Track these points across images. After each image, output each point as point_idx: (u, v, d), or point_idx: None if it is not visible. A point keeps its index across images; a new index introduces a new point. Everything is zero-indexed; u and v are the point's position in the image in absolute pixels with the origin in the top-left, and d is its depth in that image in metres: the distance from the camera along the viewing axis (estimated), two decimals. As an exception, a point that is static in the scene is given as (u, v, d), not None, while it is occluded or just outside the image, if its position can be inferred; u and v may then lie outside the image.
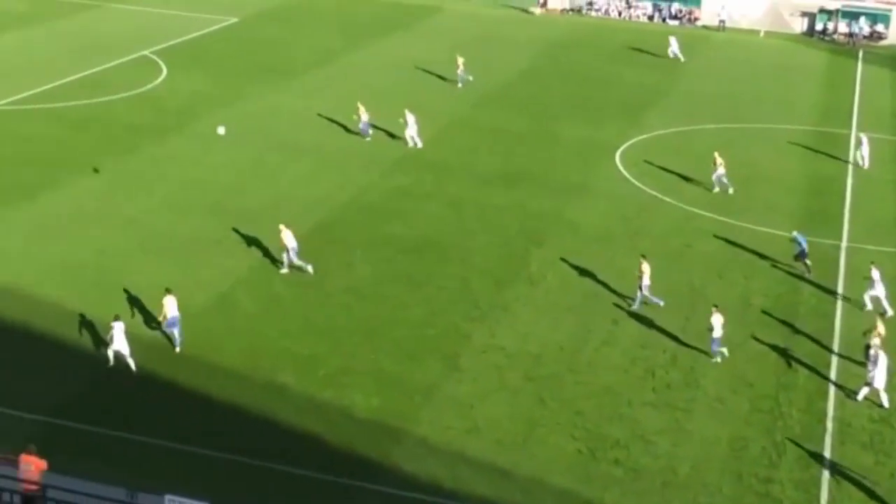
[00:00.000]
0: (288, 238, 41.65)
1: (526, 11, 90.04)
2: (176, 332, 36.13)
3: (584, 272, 42.48)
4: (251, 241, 44.15)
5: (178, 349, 36.12)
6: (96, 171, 48.93)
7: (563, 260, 43.66)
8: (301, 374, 34.98)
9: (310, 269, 41.71)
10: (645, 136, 59.22)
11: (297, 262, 41.74)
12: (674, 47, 76.15)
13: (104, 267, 41.49)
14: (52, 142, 54.37)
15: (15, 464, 26.95)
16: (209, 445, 31.08)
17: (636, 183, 52.25)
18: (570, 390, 34.79)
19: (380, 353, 36.44)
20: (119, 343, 34.66)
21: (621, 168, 54.20)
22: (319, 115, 58.58)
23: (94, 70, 66.95)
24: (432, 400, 33.97)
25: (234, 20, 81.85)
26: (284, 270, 41.81)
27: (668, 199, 50.23)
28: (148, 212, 46.62)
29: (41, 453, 26.90)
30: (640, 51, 77.34)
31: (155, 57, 70.42)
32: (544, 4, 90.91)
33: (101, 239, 43.94)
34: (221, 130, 48.96)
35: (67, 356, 35.63)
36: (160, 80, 65.79)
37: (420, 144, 55.79)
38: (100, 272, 40.96)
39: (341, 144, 55.62)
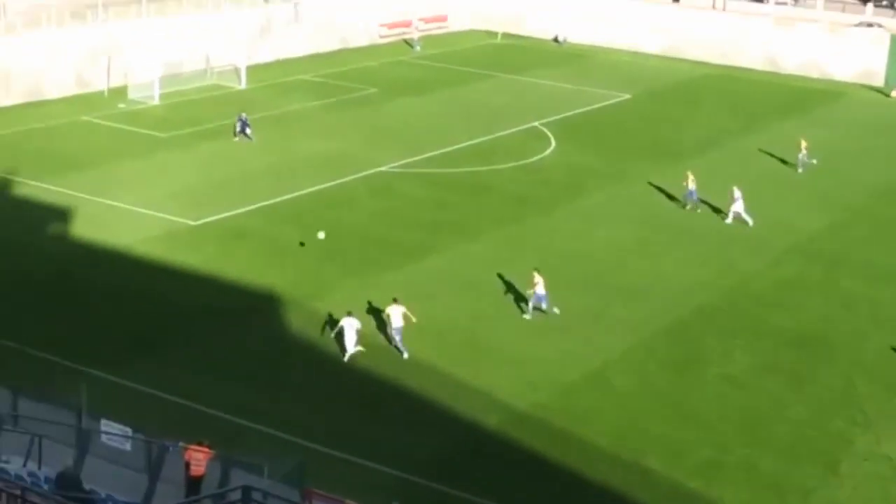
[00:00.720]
0: (539, 286, 43.09)
1: (887, 95, 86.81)
2: (398, 339, 39.93)
3: None
4: (629, 320, 44.14)
5: (405, 356, 39.86)
6: (302, 244, 49.72)
7: (964, 369, 41.37)
8: (668, 461, 34.53)
9: (556, 310, 43.47)
10: None
11: (544, 306, 43.26)
12: None
13: (476, 332, 42.53)
14: (437, 206, 56.40)
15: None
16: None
17: None
18: (965, 513, 32.81)
19: (754, 447, 35.52)
20: (349, 338, 39.21)
21: None
22: (706, 197, 57.98)
23: (483, 138, 69.07)
24: (807, 503, 32.81)
25: (626, 97, 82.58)
26: (527, 316, 43.60)
27: None
28: (526, 281, 47.42)
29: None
30: None
31: (544, 129, 71.94)
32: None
33: (475, 304, 45.06)
34: (321, 235, 49.76)
35: (434, 415, 36.73)
36: (548, 151, 67.10)
37: (750, 222, 55.18)
38: (471, 336, 42.03)
39: (726, 228, 54.88)
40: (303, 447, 33.80)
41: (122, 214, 53.08)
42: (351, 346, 39.44)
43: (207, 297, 44.93)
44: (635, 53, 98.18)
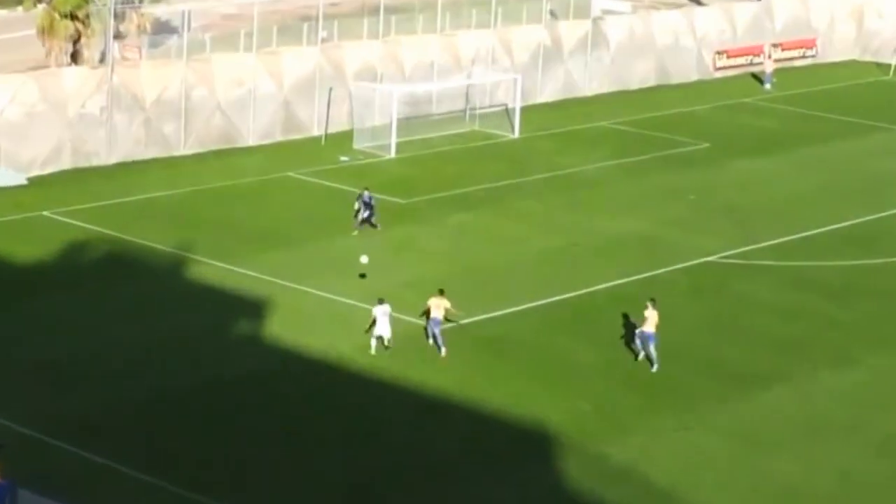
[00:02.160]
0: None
1: None
2: (437, 332, 49.88)
3: None
4: None
5: (443, 352, 49.73)
6: (363, 276, 56.39)
7: None
8: None
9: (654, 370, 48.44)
10: None
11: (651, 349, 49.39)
12: None
13: (841, 499, 41.85)
14: (790, 314, 55.85)
15: None
16: None
17: None
18: None
19: None
20: (382, 328, 48.91)
21: None
22: None
23: (863, 219, 68.58)
24: None
25: None
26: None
27: None
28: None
29: None
30: None
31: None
32: None
33: (842, 459, 44.24)
34: (364, 259, 55.99)
35: None
36: (956, 241, 66.02)
37: None
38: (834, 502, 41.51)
39: None
40: None
41: (334, 309, 54.17)
42: (386, 333, 48.94)
43: (452, 432, 45.16)
44: None
